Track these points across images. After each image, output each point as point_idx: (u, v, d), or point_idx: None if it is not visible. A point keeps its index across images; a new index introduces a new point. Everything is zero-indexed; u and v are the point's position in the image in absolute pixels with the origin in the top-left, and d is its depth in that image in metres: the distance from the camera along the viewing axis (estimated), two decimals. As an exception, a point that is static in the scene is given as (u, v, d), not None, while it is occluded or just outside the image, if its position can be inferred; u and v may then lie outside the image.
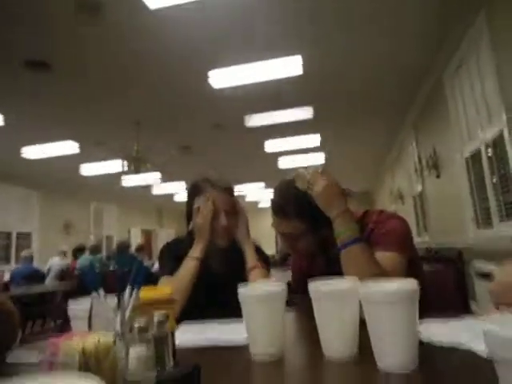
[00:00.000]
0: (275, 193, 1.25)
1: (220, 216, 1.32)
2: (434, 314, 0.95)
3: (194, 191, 1.38)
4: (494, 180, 3.45)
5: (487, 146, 3.48)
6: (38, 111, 4.93)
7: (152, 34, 3.43)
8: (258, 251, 1.44)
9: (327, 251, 1.22)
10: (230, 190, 1.39)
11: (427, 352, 0.71)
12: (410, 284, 0.67)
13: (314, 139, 6.78)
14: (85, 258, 5.88)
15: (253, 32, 3.50)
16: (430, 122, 5.16)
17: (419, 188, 6.16)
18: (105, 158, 6.83)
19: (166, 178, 8.95)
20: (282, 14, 3.29)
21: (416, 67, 4.40)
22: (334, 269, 1.12)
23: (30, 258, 6.18)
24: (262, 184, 11.53)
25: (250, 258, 1.32)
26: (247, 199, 12.98)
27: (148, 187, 9.92)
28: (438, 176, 4.92)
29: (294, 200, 1.18)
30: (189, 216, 1.38)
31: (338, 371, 0.69)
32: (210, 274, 1.31)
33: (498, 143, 3.24)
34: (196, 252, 1.30)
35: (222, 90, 4.48)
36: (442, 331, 0.81)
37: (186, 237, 1.43)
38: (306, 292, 0.79)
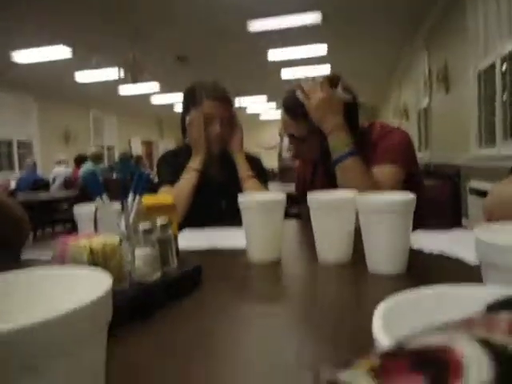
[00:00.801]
0: (287, 93, 1.22)
1: (214, 123, 1.31)
2: (428, 226, 0.99)
3: (188, 98, 1.36)
4: (505, 96, 3.33)
5: (503, 60, 3.29)
6: (28, 12, 4.55)
7: None
8: (256, 163, 1.46)
9: (329, 161, 1.23)
10: (226, 98, 1.35)
11: (417, 258, 0.75)
12: (406, 195, 0.69)
13: (321, 49, 6.39)
14: (87, 167, 5.94)
15: None
16: (444, 33, 4.81)
17: (425, 103, 5.98)
18: (100, 65, 6.49)
19: (165, 88, 8.63)
20: None
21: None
22: (334, 182, 1.15)
23: (34, 166, 6.26)
24: (264, 97, 11.17)
25: (242, 169, 1.33)
26: (248, 111, 12.68)
27: (147, 96, 9.61)
28: (447, 90, 4.74)
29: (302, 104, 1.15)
30: (184, 124, 1.37)
31: (330, 273, 0.74)
32: (208, 182, 1.33)
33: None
34: (195, 163, 1.31)
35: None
36: (433, 241, 0.85)
37: (182, 147, 1.43)
38: (306, 202, 0.81)
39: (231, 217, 1.07)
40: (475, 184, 3.48)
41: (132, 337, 0.50)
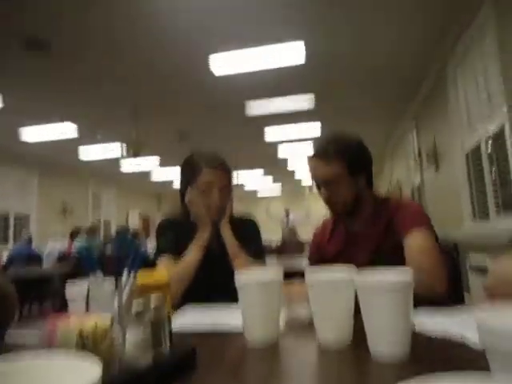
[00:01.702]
0: (324, 139, 1.30)
1: (212, 192, 1.32)
2: (428, 304, 0.96)
3: (188, 166, 1.39)
4: (493, 174, 3.45)
5: (487, 140, 3.47)
6: (36, 92, 4.88)
7: (153, 18, 3.38)
8: (249, 227, 1.45)
9: (353, 219, 1.28)
10: (225, 167, 1.38)
11: (419, 341, 0.72)
12: (405, 274, 0.68)
13: (315, 127, 6.74)
14: (81, 241, 5.89)
15: (255, 16, 3.45)
16: (431, 114, 5.14)
17: (418, 180, 6.16)
18: (103, 141, 6.78)
19: (165, 162, 8.92)
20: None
21: (419, 56, 4.35)
22: (350, 247, 1.21)
23: (29, 240, 6.20)
24: (261, 171, 11.49)
25: (229, 245, 1.33)
26: (246, 188, 12.96)
27: (147, 173, 9.88)
28: (437, 167, 4.92)
29: (335, 141, 1.26)
30: (183, 192, 1.38)
31: (331, 359, 0.70)
32: (208, 253, 1.32)
33: (498, 137, 3.23)
34: (201, 240, 1.31)
35: (222, 77, 4.44)
36: (435, 321, 0.83)
37: (181, 214, 1.43)
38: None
39: (230, 291, 1.03)
40: (474, 258, 3.45)
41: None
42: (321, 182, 1.27)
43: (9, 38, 3.57)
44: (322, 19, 3.54)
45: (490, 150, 3.44)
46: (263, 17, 3.47)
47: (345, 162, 1.23)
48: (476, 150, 3.73)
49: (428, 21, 3.63)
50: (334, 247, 1.36)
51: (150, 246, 6.78)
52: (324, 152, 1.25)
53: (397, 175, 8.08)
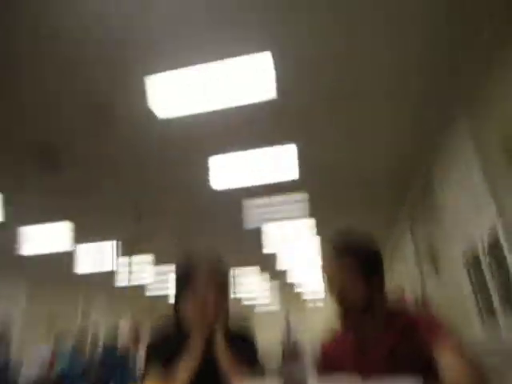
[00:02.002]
0: (337, 235, 1.32)
1: (209, 295, 1.26)
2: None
3: (182, 265, 1.34)
4: (495, 283, 3.35)
5: (484, 251, 3.43)
6: (38, 202, 5.01)
7: (154, 139, 3.64)
8: (246, 344, 1.34)
9: (364, 322, 1.24)
10: (221, 266, 1.34)
11: None
12: (414, 381, 0.62)
13: (309, 223, 6.74)
14: (65, 357, 5.47)
15: (246, 127, 3.70)
16: (424, 217, 5.23)
17: (419, 290, 5.97)
18: (98, 239, 6.75)
19: (159, 261, 8.77)
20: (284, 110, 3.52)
21: (410, 160, 4.59)
22: (362, 355, 1.19)
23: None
24: (257, 268, 11.07)
25: (224, 364, 1.21)
26: (243, 302, 12.43)
27: (142, 287, 9.61)
28: (436, 271, 4.83)
29: (352, 243, 1.28)
30: (176, 295, 1.32)
31: None
32: (199, 367, 1.21)
33: (494, 248, 3.20)
34: (192, 357, 1.22)
35: (222, 193, 4.64)
36: None
37: (173, 329, 1.33)
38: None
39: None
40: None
41: None
42: (334, 280, 1.26)
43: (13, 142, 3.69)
44: (316, 128, 3.82)
45: (488, 260, 3.38)
46: (253, 126, 3.70)
47: (356, 259, 1.25)
48: (475, 259, 3.67)
49: (416, 123, 3.86)
50: (344, 358, 1.27)
51: (140, 362, 6.25)
52: (337, 248, 1.27)
53: (398, 278, 7.89)
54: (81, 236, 6.86)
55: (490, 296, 3.44)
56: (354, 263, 1.25)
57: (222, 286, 1.31)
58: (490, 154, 2.99)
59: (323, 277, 1.33)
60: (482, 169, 3.15)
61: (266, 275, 10.83)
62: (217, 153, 4.16)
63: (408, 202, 5.76)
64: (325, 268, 1.31)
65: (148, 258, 8.31)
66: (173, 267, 1.41)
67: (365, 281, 1.25)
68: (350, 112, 3.58)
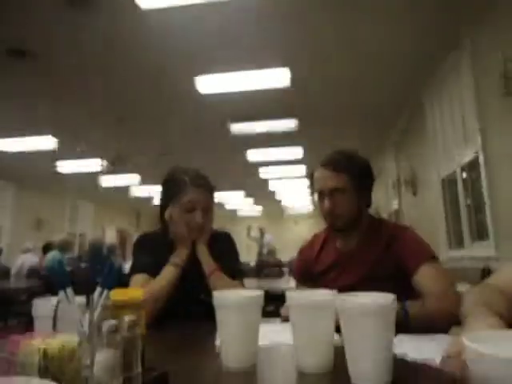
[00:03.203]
0: (333, 152, 1.33)
1: (195, 212, 1.29)
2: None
3: (170, 184, 1.35)
4: (468, 201, 3.55)
5: (463, 169, 3.58)
6: (17, 102, 4.78)
7: (141, 34, 3.39)
8: (225, 240, 1.44)
9: (347, 237, 1.30)
10: (209, 187, 1.36)
11: (401, 367, 0.70)
12: (387, 298, 0.67)
13: (297, 151, 6.83)
14: (53, 256, 5.66)
15: (241, 42, 3.51)
16: (410, 142, 5.29)
17: (395, 205, 6.27)
18: (84, 155, 6.66)
19: (145, 180, 8.82)
20: (271, 25, 3.31)
21: (400, 87, 4.50)
22: (340, 267, 1.26)
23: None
24: (242, 192, 11.50)
25: (206, 265, 1.29)
26: (227, 207, 12.92)
27: (127, 188, 9.72)
28: (414, 193, 5.03)
29: (347, 158, 1.28)
30: (163, 210, 1.35)
31: (310, 383, 0.68)
32: (185, 270, 1.28)
33: (473, 166, 3.34)
34: (179, 259, 1.28)
35: (207, 96, 4.46)
36: (416, 347, 0.81)
37: (159, 232, 1.40)
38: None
39: (207, 310, 0.99)
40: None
41: None
42: (327, 192, 1.25)
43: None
44: (308, 49, 3.63)
45: (464, 177, 3.54)
46: (248, 42, 3.53)
47: (353, 174, 1.25)
48: (452, 177, 3.85)
49: (408, 52, 3.76)
50: (322, 265, 1.34)
51: (127, 263, 6.59)
52: (334, 162, 1.26)
53: (376, 201, 8.21)
54: (64, 153, 6.74)
55: (460, 221, 3.65)
56: (348, 177, 1.24)
57: (207, 204, 1.33)
58: (487, 80, 2.92)
59: (312, 197, 1.35)
60: (476, 96, 3.10)
61: (249, 190, 11.12)
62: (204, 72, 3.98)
63: (396, 130, 5.75)
64: (317, 185, 1.30)
65: (133, 176, 8.33)
66: (157, 188, 1.41)
67: (356, 197, 1.26)
68: (346, 27, 3.36)
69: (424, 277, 1.14)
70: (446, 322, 1.00)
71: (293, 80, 4.11)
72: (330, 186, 1.25)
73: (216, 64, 3.88)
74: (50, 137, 5.87)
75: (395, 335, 0.68)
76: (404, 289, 1.10)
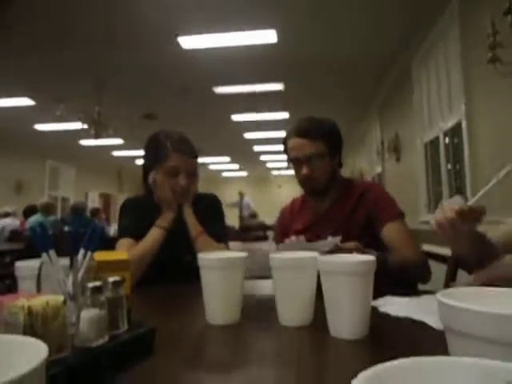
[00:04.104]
0: (304, 120, 1.34)
1: (179, 176, 1.29)
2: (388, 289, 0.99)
3: (153, 148, 1.34)
4: (449, 166, 3.62)
5: (445, 134, 3.62)
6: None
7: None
8: (211, 201, 1.46)
9: (322, 199, 1.36)
10: (192, 151, 1.35)
11: (381, 322, 0.74)
12: (366, 258, 0.70)
13: (282, 115, 6.76)
14: (35, 218, 5.59)
15: (229, 2, 3.36)
16: (394, 107, 5.28)
17: (379, 169, 6.35)
18: (63, 118, 6.44)
19: (128, 145, 8.63)
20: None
21: (387, 52, 4.43)
22: (315, 227, 1.30)
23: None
24: (228, 158, 11.43)
25: (192, 228, 1.31)
26: (210, 167, 12.83)
27: (109, 148, 9.48)
28: (397, 159, 5.09)
29: (316, 122, 1.32)
30: (146, 173, 1.34)
31: (291, 337, 0.71)
32: (171, 232, 1.29)
33: (455, 132, 3.38)
34: (164, 222, 1.29)
35: (190, 52, 4.28)
36: (401, 306, 0.85)
37: (145, 194, 1.40)
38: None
39: (193, 272, 1.01)
40: (427, 248, 3.62)
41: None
42: (304, 160, 1.28)
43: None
44: (294, 10, 3.50)
45: (447, 140, 3.60)
46: (235, 2, 3.37)
47: (327, 140, 1.30)
48: (434, 143, 3.90)
49: (397, 17, 3.68)
50: (300, 225, 1.40)
51: (111, 227, 6.57)
52: (309, 131, 1.29)
53: (359, 165, 8.29)
54: (43, 117, 6.48)
55: (441, 183, 3.74)
56: (323, 144, 1.29)
57: (190, 168, 1.32)
58: (474, 47, 2.89)
59: (289, 163, 1.36)
60: (462, 62, 3.07)
61: (234, 155, 11.05)
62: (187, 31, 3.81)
63: (381, 93, 5.72)
64: (293, 154, 1.32)
65: (116, 141, 8.12)
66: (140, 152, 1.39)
67: (330, 161, 1.32)
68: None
69: (392, 232, 1.23)
70: (416, 270, 1.19)
71: (278, 41, 3.99)
72: (307, 153, 1.28)
73: (199, 24, 3.71)
74: (26, 99, 5.64)
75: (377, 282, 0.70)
76: (375, 241, 1.21)
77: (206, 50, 4.21)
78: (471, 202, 0.80)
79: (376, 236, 1.25)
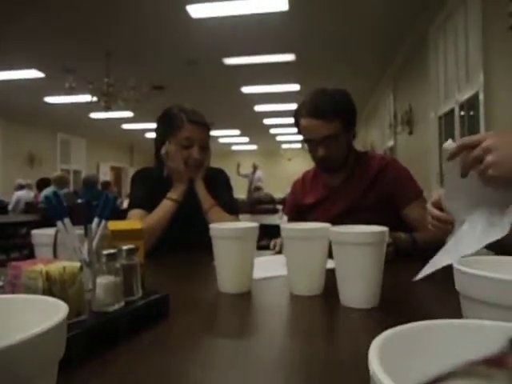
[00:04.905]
0: (317, 95, 1.26)
1: (192, 148, 1.29)
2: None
3: (166, 121, 1.34)
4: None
5: (461, 107, 3.52)
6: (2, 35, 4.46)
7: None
8: (221, 176, 1.47)
9: (336, 174, 1.32)
10: (205, 123, 1.35)
11: (390, 291, 0.74)
12: (378, 229, 0.69)
13: (293, 87, 6.63)
14: (50, 190, 5.68)
15: None
16: (409, 78, 5.13)
17: (391, 143, 6.25)
18: (72, 90, 6.40)
19: (138, 117, 8.59)
20: None
21: (403, 20, 4.25)
22: (328, 201, 1.30)
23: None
24: (237, 131, 11.32)
25: (204, 200, 1.31)
26: (220, 140, 12.76)
27: (119, 121, 9.46)
28: (410, 133, 4.99)
29: (332, 102, 1.22)
30: (158, 146, 1.34)
31: (302, 305, 0.72)
32: (183, 206, 1.30)
33: (471, 104, 3.28)
34: (175, 194, 1.29)
35: (200, 21, 4.17)
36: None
37: (156, 168, 1.39)
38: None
39: (204, 245, 1.03)
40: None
41: (90, 373, 0.45)
42: (319, 142, 1.23)
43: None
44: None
45: (463, 113, 3.50)
46: None
47: (342, 119, 1.23)
48: (449, 115, 3.80)
49: None
50: (312, 199, 1.38)
51: (122, 199, 6.65)
52: (324, 110, 1.21)
53: (371, 138, 8.16)
54: (53, 89, 6.43)
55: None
56: (338, 124, 1.22)
57: (204, 140, 1.32)
58: (495, 16, 2.76)
59: (302, 144, 1.33)
60: (483, 31, 2.94)
61: (244, 129, 10.95)
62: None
63: (394, 66, 5.54)
64: (307, 135, 1.26)
65: (126, 113, 8.06)
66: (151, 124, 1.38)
67: (346, 138, 1.27)
68: None
69: (415, 212, 1.21)
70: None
71: (290, 9, 3.85)
72: (322, 134, 1.22)
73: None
74: (34, 71, 5.60)
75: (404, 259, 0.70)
76: (388, 219, 1.12)
77: (216, 18, 4.10)
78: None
79: (390, 214, 1.22)
